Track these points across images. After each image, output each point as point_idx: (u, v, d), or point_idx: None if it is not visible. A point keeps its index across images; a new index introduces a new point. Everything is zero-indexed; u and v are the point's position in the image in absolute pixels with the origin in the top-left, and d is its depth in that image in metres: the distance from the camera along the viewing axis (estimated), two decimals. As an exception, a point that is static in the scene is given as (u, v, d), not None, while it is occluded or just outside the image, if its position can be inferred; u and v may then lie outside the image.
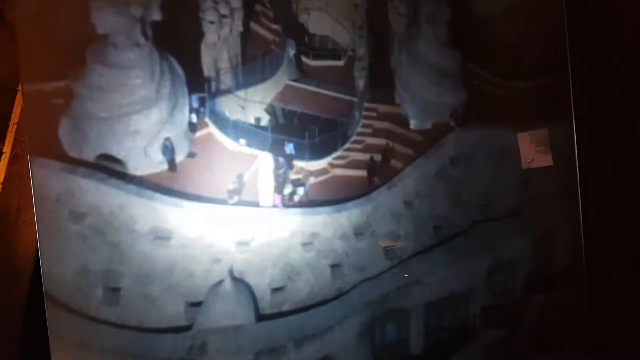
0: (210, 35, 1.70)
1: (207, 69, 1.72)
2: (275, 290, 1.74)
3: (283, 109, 1.82)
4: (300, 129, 1.83)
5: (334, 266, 1.83)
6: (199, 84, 1.70)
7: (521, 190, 2.08)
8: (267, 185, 1.74)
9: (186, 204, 1.65)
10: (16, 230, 1.78)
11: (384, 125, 2.02)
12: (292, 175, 1.80)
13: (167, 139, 1.64)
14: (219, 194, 1.68)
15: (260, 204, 1.73)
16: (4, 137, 1.79)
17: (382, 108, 2.04)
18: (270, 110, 1.81)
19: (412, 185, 1.96)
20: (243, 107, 1.77)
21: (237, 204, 1.70)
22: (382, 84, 2.05)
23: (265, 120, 1.79)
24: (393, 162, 1.98)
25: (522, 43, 2.11)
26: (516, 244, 2.09)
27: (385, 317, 1.91)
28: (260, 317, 1.71)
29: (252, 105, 1.78)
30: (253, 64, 1.78)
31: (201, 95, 1.70)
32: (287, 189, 1.76)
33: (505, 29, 2.11)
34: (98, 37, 1.57)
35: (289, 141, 1.81)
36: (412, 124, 2.01)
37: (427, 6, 2.01)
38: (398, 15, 2.06)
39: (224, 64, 1.75)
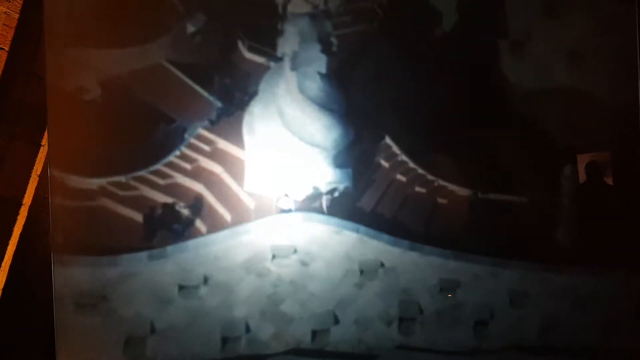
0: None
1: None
2: None
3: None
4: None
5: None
6: None
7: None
8: None
9: None
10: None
11: (214, 168, 1.41)
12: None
13: None
14: None
15: None
16: None
17: (222, 145, 1.43)
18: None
19: (204, 266, 1.30)
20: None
21: None
22: (239, 114, 1.47)
23: (94, 93, 1.28)
24: (198, 223, 1.35)
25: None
26: None
27: None
28: None
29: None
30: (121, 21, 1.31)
31: None
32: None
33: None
34: None
35: None
36: (247, 184, 1.40)
37: (297, 41, 1.40)
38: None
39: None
